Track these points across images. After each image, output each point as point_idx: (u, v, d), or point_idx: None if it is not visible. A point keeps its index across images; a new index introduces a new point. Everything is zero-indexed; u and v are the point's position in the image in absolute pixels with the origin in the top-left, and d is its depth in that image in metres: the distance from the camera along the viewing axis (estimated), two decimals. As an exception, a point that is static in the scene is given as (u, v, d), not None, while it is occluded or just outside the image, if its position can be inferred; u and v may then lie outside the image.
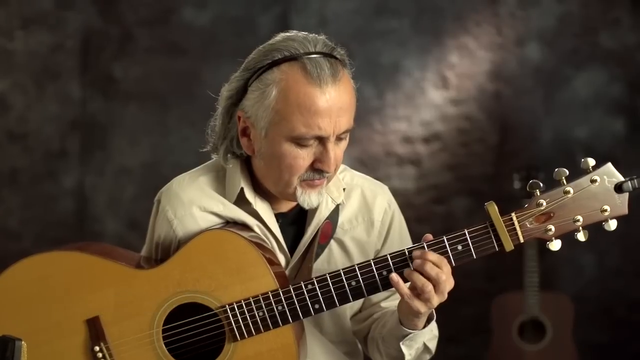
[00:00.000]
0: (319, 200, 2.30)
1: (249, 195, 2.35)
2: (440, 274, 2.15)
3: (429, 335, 2.34)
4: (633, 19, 5.16)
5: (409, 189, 5.27)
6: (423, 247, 2.20)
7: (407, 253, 2.21)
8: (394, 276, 2.19)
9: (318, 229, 2.36)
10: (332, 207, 2.38)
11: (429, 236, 2.23)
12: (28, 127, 5.33)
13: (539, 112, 5.23)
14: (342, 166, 2.43)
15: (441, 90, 5.25)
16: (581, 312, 4.92)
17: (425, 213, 5.27)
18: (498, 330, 4.87)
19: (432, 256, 2.17)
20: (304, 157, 2.22)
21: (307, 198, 2.27)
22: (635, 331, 5.26)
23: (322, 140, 2.21)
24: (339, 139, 2.24)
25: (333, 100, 2.18)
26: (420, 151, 5.29)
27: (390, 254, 2.22)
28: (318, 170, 2.24)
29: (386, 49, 5.23)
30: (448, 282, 2.17)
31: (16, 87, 5.31)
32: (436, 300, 2.18)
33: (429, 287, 2.15)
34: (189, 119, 5.19)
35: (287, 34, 2.27)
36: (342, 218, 2.41)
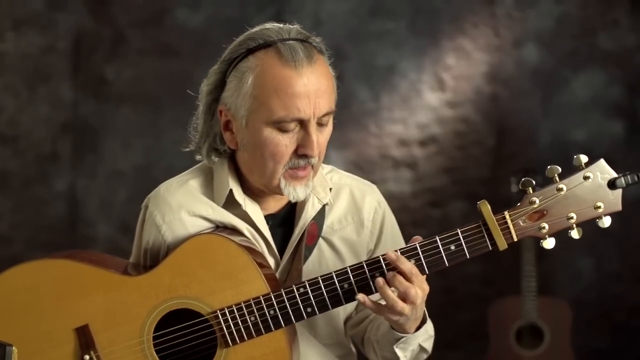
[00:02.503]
0: (306, 193, 2.29)
1: (238, 196, 2.34)
2: (410, 288, 2.14)
3: (424, 336, 2.31)
4: (632, 20, 5.17)
5: (404, 192, 5.24)
6: (415, 248, 2.19)
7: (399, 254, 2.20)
8: (360, 297, 2.18)
9: (304, 230, 2.35)
10: (318, 207, 2.37)
11: (419, 237, 2.22)
12: (19, 130, 5.32)
13: (537, 114, 5.25)
14: (330, 167, 2.45)
15: (437, 92, 5.26)
16: (579, 317, 4.92)
17: (421, 217, 5.26)
18: (495, 336, 4.87)
19: (405, 266, 2.16)
20: (286, 143, 2.22)
21: (293, 190, 2.27)
22: (634, 336, 5.27)
23: (303, 124, 2.21)
24: (320, 124, 2.24)
25: (310, 82, 2.19)
26: (417, 154, 5.28)
27: (382, 256, 2.21)
28: (302, 156, 2.24)
29: (382, 51, 5.24)
30: (418, 290, 2.16)
31: (7, 89, 5.30)
32: (406, 309, 2.16)
33: (396, 303, 2.16)
34: (182, 121, 5.05)
35: (262, 25, 2.28)
36: (332, 218, 2.41)
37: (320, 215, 2.38)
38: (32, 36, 5.27)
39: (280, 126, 2.20)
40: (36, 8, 5.26)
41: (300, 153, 2.23)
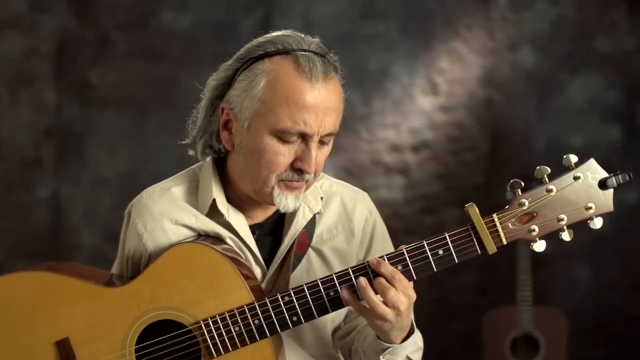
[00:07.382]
0: (296, 205, 2.28)
1: (222, 206, 2.33)
2: (388, 289, 2.14)
3: (412, 347, 2.30)
4: (629, 22, 5.18)
5: (397, 199, 5.24)
6: (402, 254, 2.18)
7: (387, 261, 2.19)
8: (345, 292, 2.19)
9: (295, 239, 2.34)
10: (309, 216, 2.37)
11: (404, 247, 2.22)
12: (1, 135, 5.28)
13: (532, 119, 5.24)
14: (320, 174, 2.43)
15: (430, 96, 5.25)
16: (576, 327, 4.91)
17: (414, 224, 5.25)
18: (490, 346, 4.84)
19: (386, 270, 2.16)
20: (284, 153, 2.21)
21: (284, 200, 2.26)
22: (631, 347, 5.26)
23: (305, 139, 2.21)
24: (322, 142, 2.24)
25: (322, 98, 2.18)
26: (409, 160, 5.27)
27: (367, 262, 2.20)
28: (298, 170, 2.23)
29: (373, 54, 5.24)
30: (402, 296, 2.15)
31: (-11, 94, 5.30)
32: (389, 314, 2.15)
33: (377, 305, 2.15)
34: (168, 127, 5.21)
35: (284, 31, 2.29)
36: (322, 227, 2.41)
37: (311, 223, 2.37)
38: (14, 39, 5.24)
39: (282, 136, 2.20)
40: (18, 10, 5.23)
41: (297, 167, 2.23)
